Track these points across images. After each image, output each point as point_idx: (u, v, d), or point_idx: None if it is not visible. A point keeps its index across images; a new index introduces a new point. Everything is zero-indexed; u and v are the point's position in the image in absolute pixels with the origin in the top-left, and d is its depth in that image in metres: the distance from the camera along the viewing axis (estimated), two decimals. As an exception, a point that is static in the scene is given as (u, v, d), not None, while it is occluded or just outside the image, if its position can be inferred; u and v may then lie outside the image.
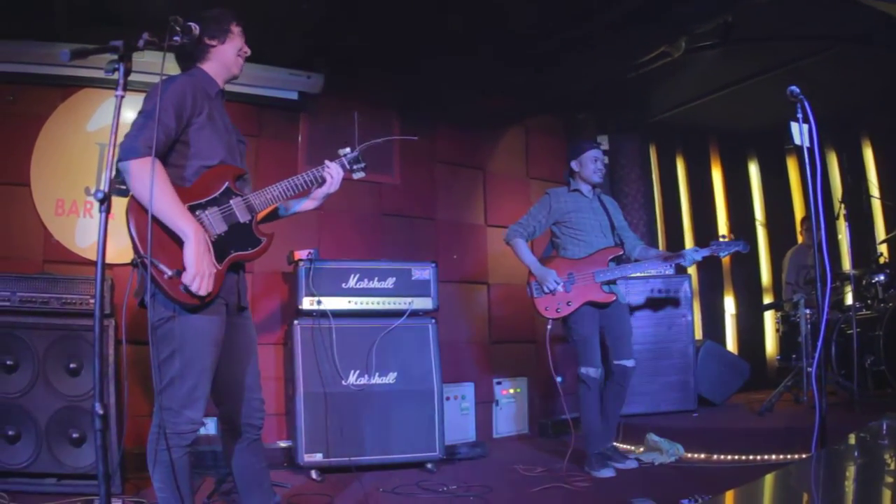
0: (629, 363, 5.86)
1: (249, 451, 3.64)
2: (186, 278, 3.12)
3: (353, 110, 6.12)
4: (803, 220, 8.91)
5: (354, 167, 3.92)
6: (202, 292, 3.15)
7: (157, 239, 3.11)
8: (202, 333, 3.25)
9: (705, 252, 5.79)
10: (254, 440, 3.64)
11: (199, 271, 3.14)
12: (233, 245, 3.40)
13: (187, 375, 3.21)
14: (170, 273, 3.12)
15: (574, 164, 6.09)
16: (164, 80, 3.22)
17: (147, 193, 3.06)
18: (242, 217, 3.45)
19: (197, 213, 3.28)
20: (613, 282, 5.91)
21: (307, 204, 3.97)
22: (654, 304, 7.52)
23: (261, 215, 3.70)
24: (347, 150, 3.92)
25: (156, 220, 3.08)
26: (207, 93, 3.49)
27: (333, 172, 3.80)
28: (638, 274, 6.49)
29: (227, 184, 3.41)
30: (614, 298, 5.89)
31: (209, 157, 3.40)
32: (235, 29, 3.61)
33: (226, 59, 3.60)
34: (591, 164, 6.02)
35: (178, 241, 3.18)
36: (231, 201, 3.42)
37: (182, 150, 3.32)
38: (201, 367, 3.25)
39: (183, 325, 3.20)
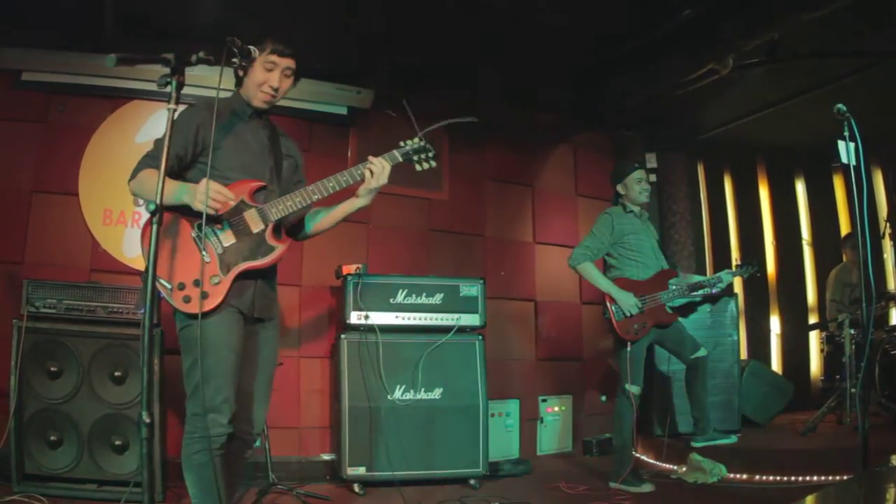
0: (704, 353, 5.99)
1: (226, 458, 3.47)
2: (196, 197, 3.25)
3: (402, 125, 6.15)
4: (846, 238, 8.86)
5: (420, 157, 3.72)
6: (209, 206, 3.23)
7: (162, 252, 3.26)
8: (214, 340, 3.33)
9: (730, 277, 6.32)
10: (237, 453, 3.60)
11: (202, 190, 3.23)
12: (242, 255, 3.45)
13: (208, 381, 3.29)
14: (169, 285, 3.28)
15: (620, 188, 6.15)
16: (181, 109, 3.24)
17: (145, 190, 3.29)
18: (255, 227, 3.49)
19: (205, 229, 3.36)
20: None
21: (354, 202, 3.75)
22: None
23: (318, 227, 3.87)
24: (409, 141, 3.72)
25: (165, 234, 3.25)
26: (238, 114, 3.62)
27: (376, 168, 3.60)
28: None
29: (241, 198, 3.46)
30: (677, 318, 6.01)
31: (227, 175, 3.45)
32: (258, 58, 3.50)
33: (247, 89, 3.61)
34: (636, 185, 6.08)
35: (183, 252, 3.35)
36: (244, 213, 3.47)
37: (204, 169, 3.33)
38: (219, 372, 3.33)
39: (196, 333, 3.24)
